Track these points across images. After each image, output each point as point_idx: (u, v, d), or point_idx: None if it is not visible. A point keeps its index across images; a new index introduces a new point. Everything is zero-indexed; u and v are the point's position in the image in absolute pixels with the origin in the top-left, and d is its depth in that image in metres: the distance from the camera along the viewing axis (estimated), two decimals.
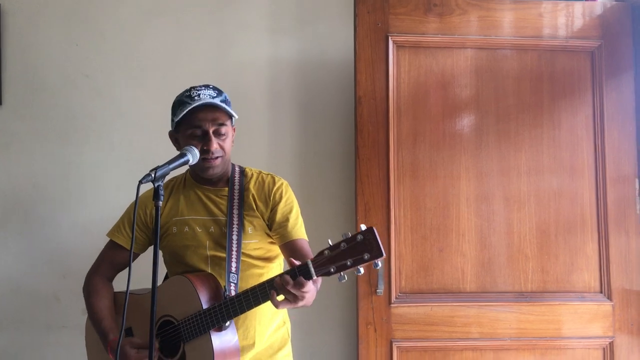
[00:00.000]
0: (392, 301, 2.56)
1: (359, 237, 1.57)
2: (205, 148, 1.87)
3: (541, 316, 2.59)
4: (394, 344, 2.55)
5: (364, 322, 2.55)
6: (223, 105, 1.89)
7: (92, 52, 2.80)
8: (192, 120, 1.89)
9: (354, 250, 1.56)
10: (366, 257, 1.55)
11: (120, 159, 2.77)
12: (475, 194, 2.63)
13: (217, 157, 1.90)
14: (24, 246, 2.75)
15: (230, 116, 1.93)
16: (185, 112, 1.86)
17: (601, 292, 2.64)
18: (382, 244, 1.56)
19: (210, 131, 1.88)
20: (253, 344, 1.93)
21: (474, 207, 2.63)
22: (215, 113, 1.89)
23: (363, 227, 1.57)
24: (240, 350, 1.85)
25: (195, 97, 1.87)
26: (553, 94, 2.68)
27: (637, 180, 2.67)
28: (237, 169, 2.02)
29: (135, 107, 2.79)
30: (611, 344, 2.61)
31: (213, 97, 1.88)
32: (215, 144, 1.88)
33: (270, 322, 1.97)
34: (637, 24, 2.71)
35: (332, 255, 1.58)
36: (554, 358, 2.60)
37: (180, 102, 1.90)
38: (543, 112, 2.68)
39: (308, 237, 2.00)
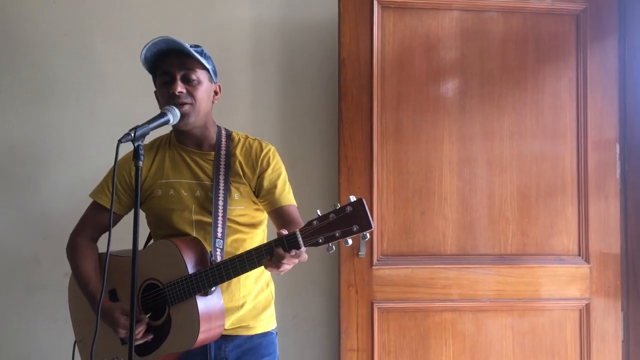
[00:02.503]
0: (374, 263, 2.58)
1: (348, 208, 1.55)
2: (171, 92, 1.83)
3: (520, 278, 2.63)
4: (374, 305, 2.58)
5: (345, 284, 2.57)
6: (188, 48, 1.83)
7: (71, 11, 2.74)
8: (161, 67, 1.87)
9: (343, 222, 1.55)
10: (355, 229, 1.55)
11: (100, 120, 2.73)
12: (458, 157, 2.64)
13: (184, 103, 1.84)
14: (3, 208, 2.73)
15: (204, 67, 1.89)
16: (147, 46, 1.82)
17: (579, 255, 2.68)
18: (370, 215, 1.55)
19: (178, 75, 1.85)
20: (238, 307, 1.94)
21: (456, 170, 2.64)
22: (183, 58, 1.86)
23: (352, 198, 1.56)
24: (226, 312, 1.86)
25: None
26: (538, 57, 2.68)
27: (617, 145, 2.69)
28: (223, 132, 1.99)
29: (115, 67, 2.74)
30: (588, 306, 2.67)
31: (186, 45, 1.84)
32: (180, 87, 1.83)
33: (254, 285, 1.98)
34: None
35: (321, 225, 1.57)
36: (531, 319, 2.65)
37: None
38: (527, 75, 2.67)
39: None
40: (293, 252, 1.61)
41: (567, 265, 2.66)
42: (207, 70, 1.91)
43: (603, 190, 2.68)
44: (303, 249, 1.61)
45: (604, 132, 2.68)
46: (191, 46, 1.86)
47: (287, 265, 1.64)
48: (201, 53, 1.89)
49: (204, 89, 1.89)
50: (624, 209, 2.69)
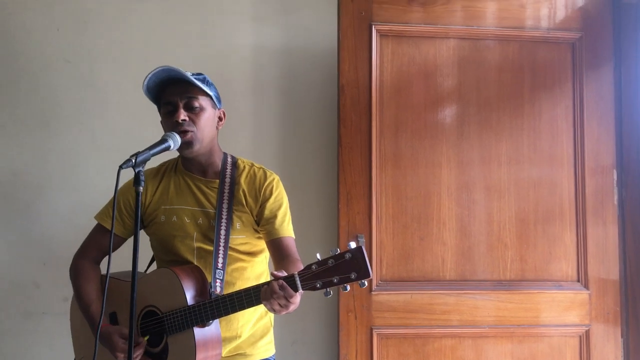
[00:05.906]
0: (373, 289, 2.58)
1: (347, 255, 1.56)
2: (174, 120, 1.85)
3: (519, 304, 2.62)
4: (374, 331, 2.57)
5: (344, 309, 2.57)
6: (188, 76, 1.84)
7: (73, 37, 2.78)
8: (164, 97, 1.89)
9: (341, 268, 1.56)
10: (353, 276, 1.56)
11: (101, 146, 2.75)
12: (456, 183, 2.65)
13: (187, 131, 1.85)
14: (3, 233, 2.73)
15: (206, 94, 1.90)
16: (149, 77, 1.84)
17: (578, 280, 2.68)
18: (369, 264, 1.55)
19: (180, 104, 1.86)
20: (236, 336, 1.94)
21: (454, 196, 2.65)
22: (185, 86, 1.87)
23: (352, 244, 1.57)
24: (223, 340, 1.86)
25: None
26: (534, 84, 2.71)
27: (615, 170, 2.70)
28: (229, 159, 2.00)
29: (117, 94, 2.77)
30: (587, 332, 2.66)
31: (187, 74, 1.86)
32: (183, 115, 1.84)
33: (253, 314, 1.98)
34: (618, 16, 2.73)
35: (319, 270, 1.58)
36: (531, 345, 2.64)
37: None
38: (524, 102, 2.70)
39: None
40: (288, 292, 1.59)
41: (566, 291, 2.66)
42: (210, 96, 1.92)
43: (601, 216, 2.68)
44: (300, 292, 1.61)
45: (601, 158, 2.70)
46: (193, 74, 1.88)
47: (277, 303, 1.61)
48: (203, 80, 1.90)
49: (207, 115, 1.91)
50: (622, 234, 2.70)
